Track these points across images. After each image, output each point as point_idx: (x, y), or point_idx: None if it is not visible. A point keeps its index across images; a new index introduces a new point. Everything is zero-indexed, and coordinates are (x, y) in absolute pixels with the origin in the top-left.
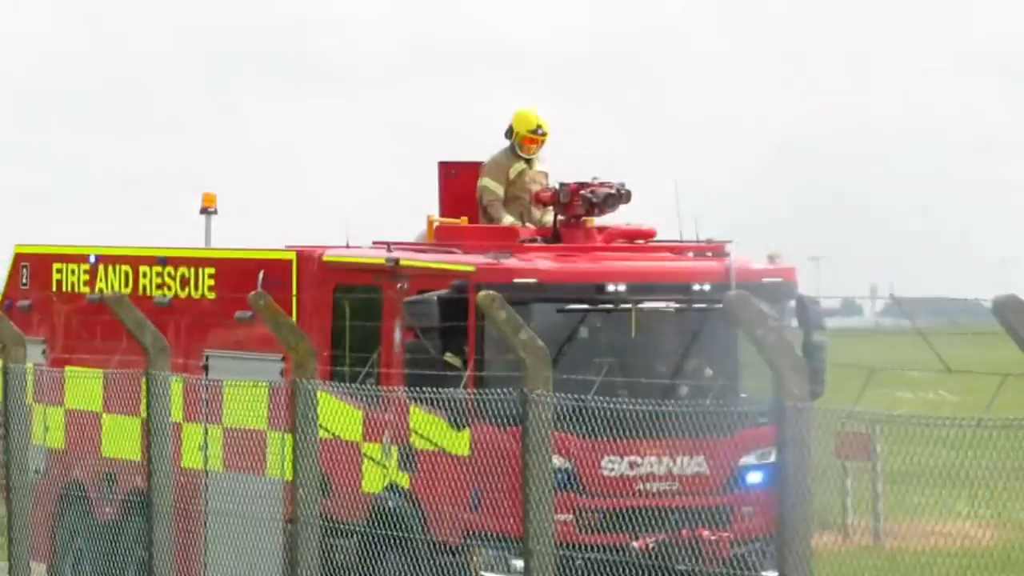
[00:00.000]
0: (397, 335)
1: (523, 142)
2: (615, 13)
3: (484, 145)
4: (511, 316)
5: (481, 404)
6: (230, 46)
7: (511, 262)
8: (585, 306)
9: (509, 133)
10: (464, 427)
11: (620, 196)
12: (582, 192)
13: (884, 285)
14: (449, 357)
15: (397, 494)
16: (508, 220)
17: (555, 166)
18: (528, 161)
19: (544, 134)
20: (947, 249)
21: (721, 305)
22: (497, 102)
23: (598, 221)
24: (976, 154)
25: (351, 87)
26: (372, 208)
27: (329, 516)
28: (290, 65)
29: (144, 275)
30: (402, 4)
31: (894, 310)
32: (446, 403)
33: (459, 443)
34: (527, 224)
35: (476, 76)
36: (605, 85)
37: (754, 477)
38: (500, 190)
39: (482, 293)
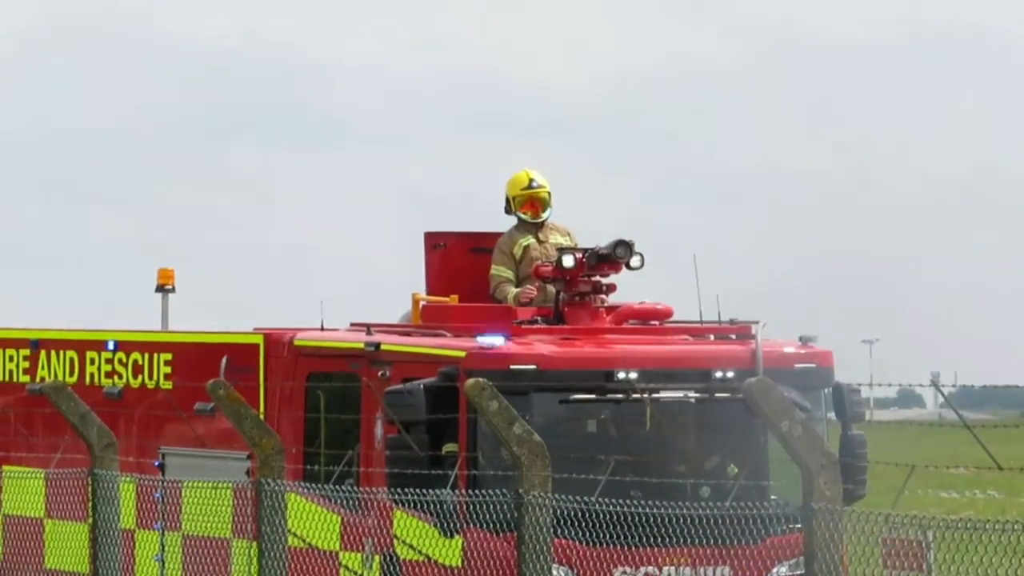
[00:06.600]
0: (378, 429)
1: (521, 207)
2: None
3: (477, 212)
4: (504, 407)
5: (472, 507)
6: (200, 99)
7: (507, 346)
8: (591, 396)
9: (507, 207)
10: (455, 533)
11: (628, 246)
12: (586, 253)
13: (948, 372)
14: (448, 448)
15: None
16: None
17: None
18: (536, 226)
19: (540, 187)
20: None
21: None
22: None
23: (609, 301)
24: None
25: (331, 147)
26: (350, 286)
27: None
28: (258, 123)
29: (91, 362)
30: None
31: (960, 400)
32: (434, 506)
33: (449, 552)
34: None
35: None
36: (617, 144)
37: None
38: (509, 272)
39: (470, 381)
